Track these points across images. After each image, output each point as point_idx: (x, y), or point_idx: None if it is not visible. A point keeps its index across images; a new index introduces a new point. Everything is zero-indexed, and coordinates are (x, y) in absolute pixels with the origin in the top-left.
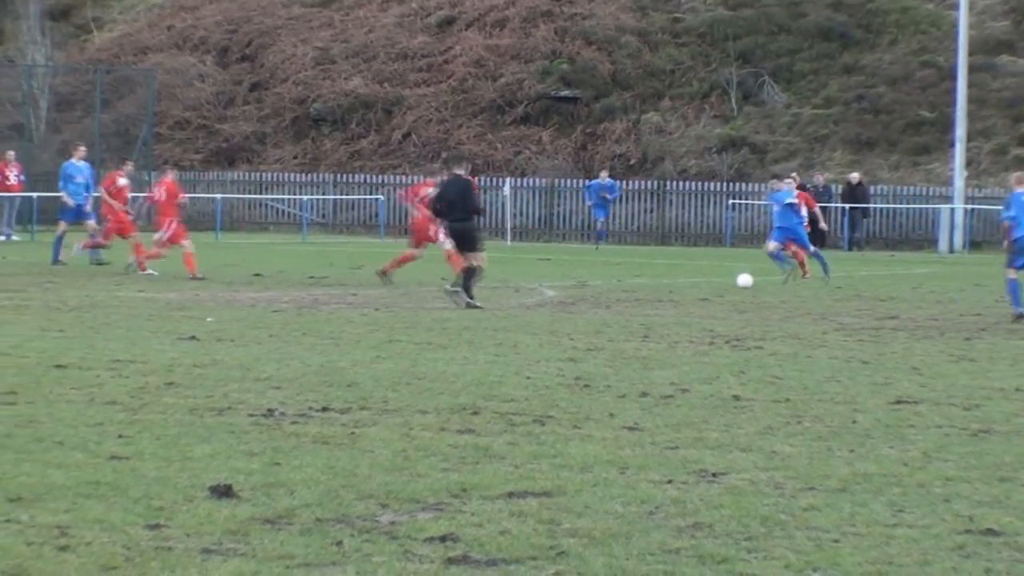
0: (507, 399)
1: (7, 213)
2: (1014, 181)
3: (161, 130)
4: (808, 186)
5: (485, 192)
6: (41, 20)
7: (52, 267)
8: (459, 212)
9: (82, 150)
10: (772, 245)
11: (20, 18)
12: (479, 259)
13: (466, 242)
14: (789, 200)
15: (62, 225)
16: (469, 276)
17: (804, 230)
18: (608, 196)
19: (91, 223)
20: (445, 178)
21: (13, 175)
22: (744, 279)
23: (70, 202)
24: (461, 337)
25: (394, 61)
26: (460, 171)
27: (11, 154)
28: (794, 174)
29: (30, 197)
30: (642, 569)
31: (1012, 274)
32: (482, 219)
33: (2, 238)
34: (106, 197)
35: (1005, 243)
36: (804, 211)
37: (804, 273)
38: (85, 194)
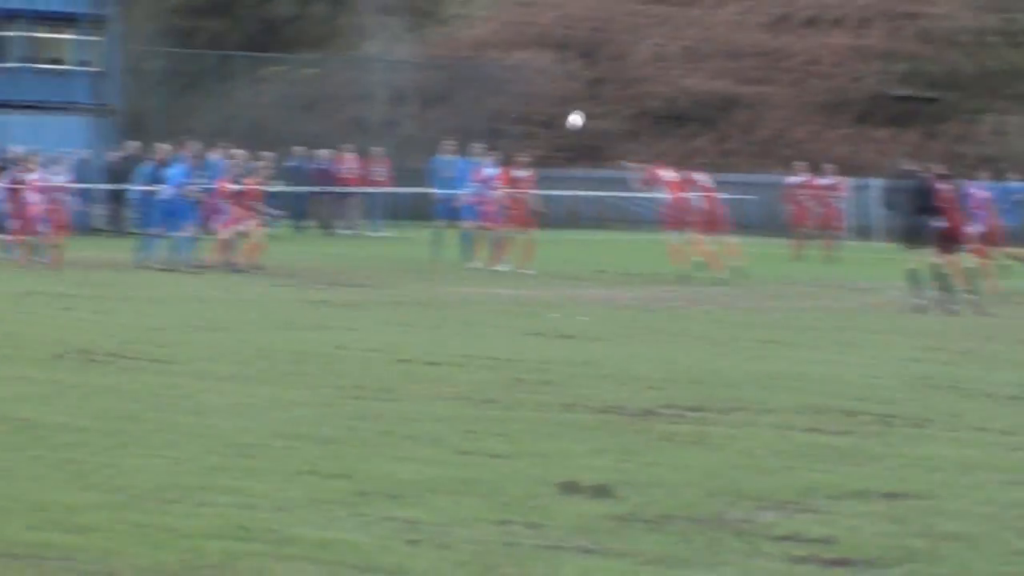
0: (854, 398)
1: (354, 208)
2: None
3: (503, 126)
4: None
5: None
6: (406, 16)
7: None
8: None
9: (450, 145)
10: None
11: (364, 12)
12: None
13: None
14: None
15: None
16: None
17: None
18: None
19: (468, 222)
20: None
21: (356, 170)
22: (573, 118)
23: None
24: (832, 338)
25: (732, 59)
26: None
27: (353, 148)
28: None
29: (376, 193)
30: (997, 571)
31: None
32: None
33: (350, 232)
34: (507, 191)
35: None
36: None
37: None
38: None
